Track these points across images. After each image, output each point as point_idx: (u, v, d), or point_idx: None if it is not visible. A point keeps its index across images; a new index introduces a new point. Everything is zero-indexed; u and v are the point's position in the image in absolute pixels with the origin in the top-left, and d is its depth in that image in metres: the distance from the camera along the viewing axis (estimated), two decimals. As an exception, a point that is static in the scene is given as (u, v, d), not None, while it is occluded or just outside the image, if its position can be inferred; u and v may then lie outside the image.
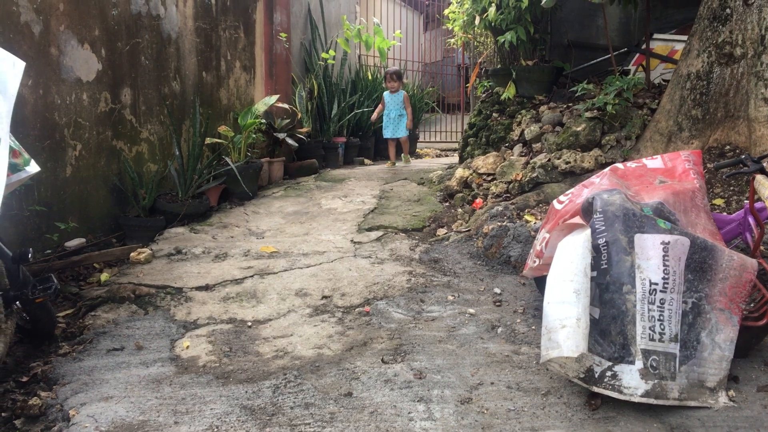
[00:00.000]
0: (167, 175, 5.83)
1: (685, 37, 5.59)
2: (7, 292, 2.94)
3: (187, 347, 3.40)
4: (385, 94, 8.73)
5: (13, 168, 2.91)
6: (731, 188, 4.42)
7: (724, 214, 3.82)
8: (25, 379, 3.08)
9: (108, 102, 5.14)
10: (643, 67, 6.26)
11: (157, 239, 5.13)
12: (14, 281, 3.02)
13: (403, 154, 9.17)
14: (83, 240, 4.78)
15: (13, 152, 2.92)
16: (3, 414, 2.77)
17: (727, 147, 4.67)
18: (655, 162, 3.42)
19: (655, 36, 6.55)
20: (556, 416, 2.63)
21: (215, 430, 2.57)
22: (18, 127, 4.06)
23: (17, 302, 3.06)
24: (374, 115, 8.90)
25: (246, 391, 2.89)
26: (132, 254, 4.69)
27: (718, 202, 4.30)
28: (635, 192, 3.12)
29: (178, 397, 2.85)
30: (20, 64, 2.86)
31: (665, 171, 3.33)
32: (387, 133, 8.79)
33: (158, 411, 2.74)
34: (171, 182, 5.88)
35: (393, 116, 8.67)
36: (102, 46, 5.06)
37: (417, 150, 11.70)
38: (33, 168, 3.06)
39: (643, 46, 6.21)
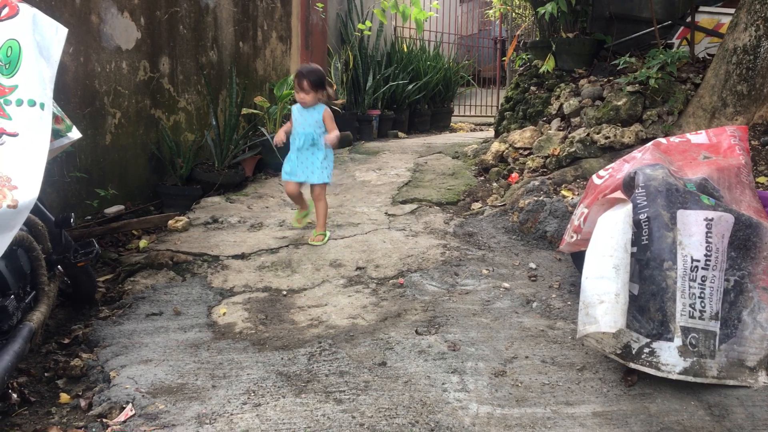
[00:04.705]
0: (204, 144, 5.87)
1: (732, 10, 5.41)
2: (50, 255, 2.99)
3: (224, 314, 3.45)
4: (294, 108, 4.57)
5: (55, 134, 2.94)
6: (777, 166, 4.31)
7: (770, 192, 3.73)
8: (66, 341, 3.16)
9: (147, 71, 5.18)
10: (687, 40, 6.09)
11: (193, 208, 5.19)
12: (57, 245, 3.08)
13: (314, 218, 4.62)
14: (122, 207, 4.86)
15: (55, 118, 2.95)
16: (46, 374, 2.86)
17: (774, 124, 4.54)
18: (699, 137, 3.34)
19: (701, 8, 6.35)
20: (592, 391, 2.62)
21: (252, 394, 2.61)
22: (60, 94, 4.11)
23: (59, 266, 3.12)
24: (279, 136, 4.65)
25: (282, 358, 2.92)
26: (170, 222, 4.76)
27: (763, 180, 4.20)
28: (678, 167, 3.05)
29: (215, 362, 2.90)
30: (63, 31, 2.88)
31: (710, 146, 3.25)
32: (286, 168, 4.59)
33: (196, 375, 2.79)
34: (207, 152, 5.93)
35: (300, 144, 4.50)
36: (141, 15, 5.09)
37: (451, 124, 11.60)
38: (75, 134, 3.09)
39: (688, 19, 6.03)
